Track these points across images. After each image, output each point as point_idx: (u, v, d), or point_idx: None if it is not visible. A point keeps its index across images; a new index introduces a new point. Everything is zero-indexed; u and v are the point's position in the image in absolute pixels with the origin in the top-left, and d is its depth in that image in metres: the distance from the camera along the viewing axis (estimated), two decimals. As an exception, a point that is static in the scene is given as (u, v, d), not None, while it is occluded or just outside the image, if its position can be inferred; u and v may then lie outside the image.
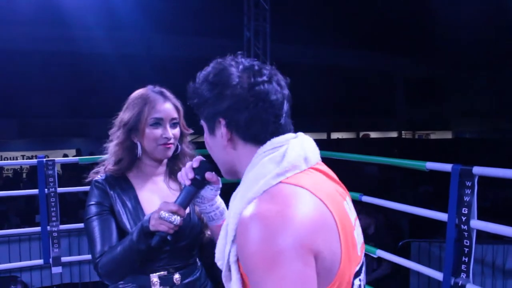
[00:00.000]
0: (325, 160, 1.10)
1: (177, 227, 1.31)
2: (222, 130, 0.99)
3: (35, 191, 3.47)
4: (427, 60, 17.43)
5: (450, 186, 2.34)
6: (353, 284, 0.92)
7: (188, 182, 1.25)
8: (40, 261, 3.57)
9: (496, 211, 6.62)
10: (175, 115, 1.56)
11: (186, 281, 1.53)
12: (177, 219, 1.29)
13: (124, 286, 1.51)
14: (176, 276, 1.51)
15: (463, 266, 2.28)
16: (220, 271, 1.65)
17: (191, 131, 1.64)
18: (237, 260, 0.93)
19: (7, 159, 12.83)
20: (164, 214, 1.28)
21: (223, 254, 0.99)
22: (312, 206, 0.87)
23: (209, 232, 1.57)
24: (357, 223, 1.02)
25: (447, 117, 19.10)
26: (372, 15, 13.75)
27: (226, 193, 1.21)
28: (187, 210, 1.41)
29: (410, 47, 15.82)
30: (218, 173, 1.19)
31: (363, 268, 1.01)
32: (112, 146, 1.56)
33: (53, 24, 11.19)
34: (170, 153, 1.55)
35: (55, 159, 3.49)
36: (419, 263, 3.02)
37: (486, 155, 9.75)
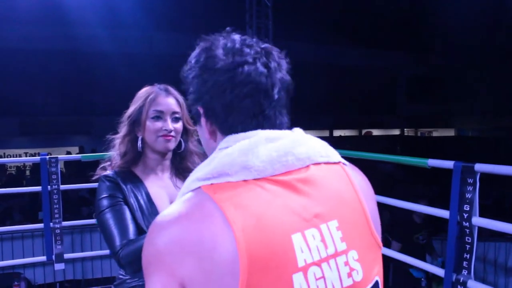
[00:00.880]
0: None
1: None
2: (202, 120, 0.85)
3: (38, 188, 3.49)
4: (430, 58, 17.41)
5: (452, 183, 2.34)
6: None
7: None
8: (43, 258, 3.58)
9: (499, 208, 6.62)
10: (177, 109, 1.57)
11: None
12: None
13: (131, 281, 1.52)
14: None
15: (464, 263, 2.29)
16: None
17: (196, 127, 1.63)
18: None
19: (10, 157, 12.87)
20: None
21: None
22: (204, 226, 0.70)
23: None
24: (345, 257, 0.76)
25: (450, 114, 19.07)
26: (375, 12, 13.74)
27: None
28: None
29: (413, 44, 15.81)
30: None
31: None
32: (117, 140, 1.58)
33: (55, 22, 11.21)
34: (170, 145, 1.55)
35: (58, 156, 3.51)
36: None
37: (489, 153, 9.73)
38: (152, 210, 1.51)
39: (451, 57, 16.43)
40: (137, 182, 1.55)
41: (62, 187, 3.49)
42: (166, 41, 12.82)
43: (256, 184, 0.74)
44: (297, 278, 0.71)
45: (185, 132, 1.60)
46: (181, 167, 1.63)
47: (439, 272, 2.51)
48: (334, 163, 0.83)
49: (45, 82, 12.13)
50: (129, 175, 1.56)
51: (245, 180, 0.74)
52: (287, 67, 0.86)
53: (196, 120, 0.89)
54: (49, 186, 3.40)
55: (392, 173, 9.09)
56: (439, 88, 17.87)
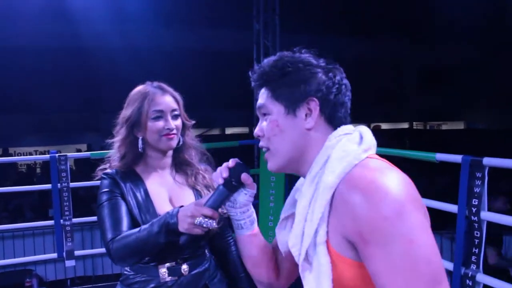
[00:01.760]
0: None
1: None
2: (312, 111, 0.98)
3: (48, 186, 3.53)
4: (439, 49, 17.25)
5: (460, 177, 2.33)
6: None
7: (221, 181, 1.15)
8: (54, 255, 3.62)
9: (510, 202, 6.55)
10: (175, 106, 1.58)
11: (194, 271, 1.55)
12: (212, 223, 1.26)
13: (134, 277, 1.54)
14: (184, 267, 1.53)
15: (473, 258, 2.28)
16: (230, 264, 1.67)
17: (193, 122, 1.66)
18: (327, 241, 0.90)
19: (20, 155, 12.99)
20: (199, 219, 1.25)
21: (301, 238, 0.95)
22: (403, 174, 0.90)
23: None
24: None
25: (459, 107, 18.91)
26: (382, 2, 13.64)
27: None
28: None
29: (421, 36, 15.66)
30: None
31: None
32: (116, 143, 1.59)
33: (64, 19, 11.23)
34: (173, 143, 1.57)
35: (67, 154, 3.54)
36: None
37: (499, 145, 9.65)
38: (148, 207, 1.52)
39: (460, 49, 16.26)
40: (137, 180, 1.57)
41: (72, 184, 3.52)
42: (173, 36, 12.83)
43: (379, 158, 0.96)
44: None
45: (183, 126, 1.61)
46: (180, 161, 1.64)
47: (448, 266, 2.51)
48: None
49: (54, 79, 12.18)
50: (129, 174, 1.58)
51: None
52: None
53: (290, 110, 0.99)
54: (59, 184, 3.44)
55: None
56: (448, 81, 17.71)
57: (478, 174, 2.26)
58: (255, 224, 1.20)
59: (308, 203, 0.94)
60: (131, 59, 11.32)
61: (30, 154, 13.17)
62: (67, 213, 3.47)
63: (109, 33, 11.33)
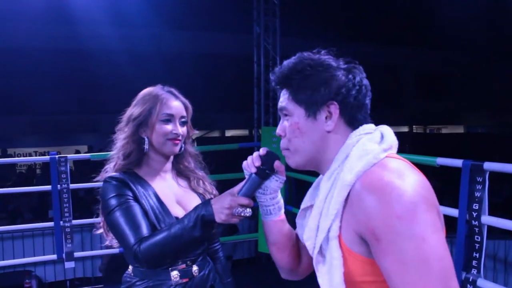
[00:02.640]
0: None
1: None
2: (332, 114, 1.00)
3: (48, 187, 3.52)
4: (438, 54, 17.27)
5: (461, 182, 2.33)
6: None
7: (254, 170, 1.18)
8: (53, 256, 3.62)
9: (510, 207, 6.55)
10: (185, 113, 1.59)
11: (202, 273, 1.56)
12: (249, 212, 1.31)
13: (141, 283, 1.51)
14: (195, 268, 1.54)
15: (474, 262, 2.28)
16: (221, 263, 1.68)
17: (196, 131, 1.68)
18: (339, 235, 0.93)
19: (20, 156, 12.97)
20: (237, 209, 1.29)
21: (315, 232, 0.99)
22: (421, 175, 0.92)
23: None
24: None
25: (459, 111, 18.91)
26: (382, 7, 13.66)
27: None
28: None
29: (421, 40, 15.68)
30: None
31: None
32: (120, 141, 1.58)
33: (63, 21, 11.25)
34: (177, 149, 1.58)
35: (67, 155, 3.53)
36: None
37: (499, 150, 9.65)
38: (164, 210, 1.51)
39: (459, 53, 16.28)
40: (144, 183, 1.55)
41: (72, 186, 3.52)
42: (174, 39, 12.84)
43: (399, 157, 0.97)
44: None
45: (187, 134, 1.62)
46: (180, 167, 1.66)
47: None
48: None
49: (54, 80, 12.19)
50: (135, 177, 1.55)
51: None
52: None
53: (310, 112, 1.01)
54: (59, 185, 3.43)
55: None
56: (448, 85, 17.73)
57: (479, 179, 2.25)
58: (282, 210, 1.23)
59: (324, 198, 0.98)
60: (131, 61, 11.33)
61: (30, 155, 13.16)
62: (66, 214, 3.47)
63: (110, 35, 11.34)
